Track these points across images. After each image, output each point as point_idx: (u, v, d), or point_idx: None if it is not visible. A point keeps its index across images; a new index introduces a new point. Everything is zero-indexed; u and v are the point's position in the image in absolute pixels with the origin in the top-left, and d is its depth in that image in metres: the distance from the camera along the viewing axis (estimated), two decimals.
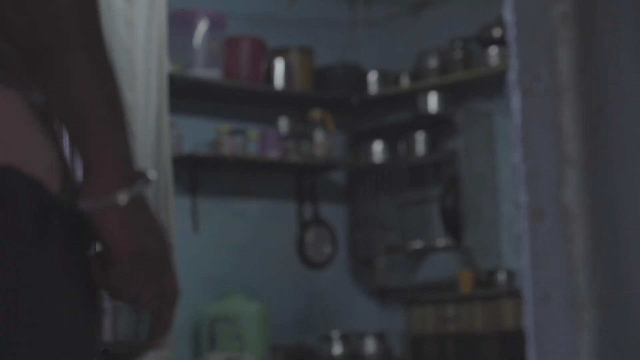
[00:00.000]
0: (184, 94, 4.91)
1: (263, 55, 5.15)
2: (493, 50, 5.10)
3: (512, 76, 0.82)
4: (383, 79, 5.52)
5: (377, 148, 5.54)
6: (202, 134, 5.07)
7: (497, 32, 5.11)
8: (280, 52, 5.23)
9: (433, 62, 5.32)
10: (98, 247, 0.88)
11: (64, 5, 0.82)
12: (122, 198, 0.85)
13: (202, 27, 4.90)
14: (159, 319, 0.92)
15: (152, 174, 0.88)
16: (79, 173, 1.49)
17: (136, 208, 0.86)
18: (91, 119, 0.84)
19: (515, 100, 0.82)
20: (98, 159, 0.85)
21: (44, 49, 0.82)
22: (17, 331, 0.82)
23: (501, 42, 5.08)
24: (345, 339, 5.03)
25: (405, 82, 5.43)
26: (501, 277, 4.93)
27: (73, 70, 0.83)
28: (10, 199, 0.83)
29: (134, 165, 0.87)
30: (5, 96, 0.86)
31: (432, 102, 5.31)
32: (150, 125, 4.36)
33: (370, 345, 5.05)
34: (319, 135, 5.34)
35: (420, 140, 5.40)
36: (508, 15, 0.82)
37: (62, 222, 0.87)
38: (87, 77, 0.84)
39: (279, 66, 5.21)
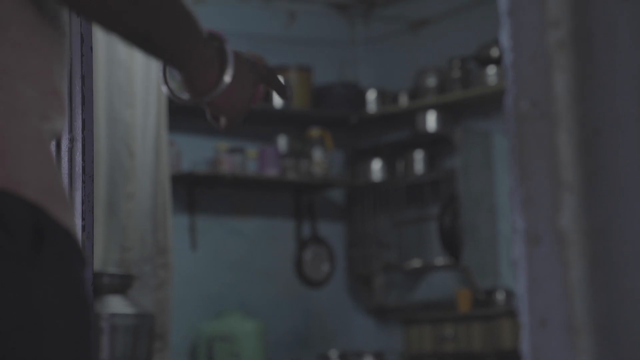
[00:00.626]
0: (183, 112, 4.92)
1: None
2: (491, 70, 5.11)
3: (508, 101, 0.82)
4: (382, 97, 5.54)
5: (376, 166, 5.55)
6: (200, 152, 5.08)
7: (495, 52, 5.13)
8: (279, 70, 5.24)
9: (431, 81, 5.34)
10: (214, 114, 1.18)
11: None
12: (226, 79, 1.11)
13: None
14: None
15: (218, 33, 1.13)
16: (75, 194, 1.50)
17: (239, 78, 1.13)
18: (186, 51, 1.07)
19: (512, 124, 0.82)
20: (199, 70, 1.10)
21: (141, 36, 1.00)
22: (15, 351, 0.82)
23: (499, 61, 5.10)
24: (343, 358, 5.02)
25: (403, 100, 5.45)
26: (500, 296, 4.93)
27: (167, 37, 1.03)
28: (6, 221, 0.83)
29: (216, 54, 1.11)
30: (3, 119, 0.86)
31: (431, 120, 5.32)
32: (149, 143, 4.36)
33: None
34: (317, 154, 5.35)
35: (418, 159, 5.40)
36: (505, 40, 0.82)
37: (57, 243, 0.87)
38: (177, 32, 1.04)
39: None
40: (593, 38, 0.80)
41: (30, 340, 0.83)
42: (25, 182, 0.85)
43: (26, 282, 0.84)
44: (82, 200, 1.48)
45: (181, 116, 4.91)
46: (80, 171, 1.49)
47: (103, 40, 4.16)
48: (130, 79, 4.31)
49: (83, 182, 1.49)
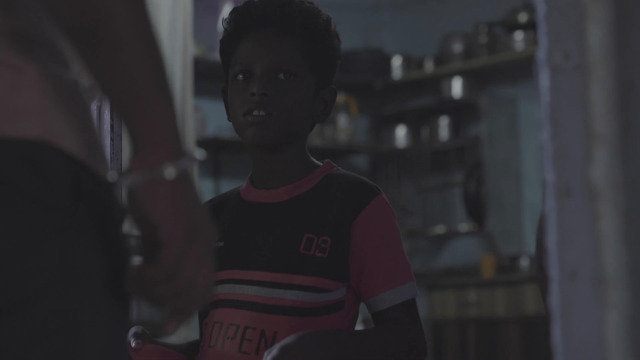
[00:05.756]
0: (208, 77, 4.92)
1: None
2: (518, 35, 5.07)
3: (541, 54, 0.81)
4: (407, 63, 5.50)
5: (400, 133, 5.53)
6: (225, 117, 5.08)
7: (522, 17, 5.08)
8: None
9: (458, 47, 5.30)
10: (142, 231, 0.86)
11: None
12: (170, 172, 0.84)
13: (227, 10, 4.90)
14: (184, 310, 0.88)
15: (199, 154, 0.87)
16: (108, 151, 1.51)
17: (184, 184, 0.85)
18: (141, 92, 0.83)
19: (544, 78, 0.81)
20: (147, 132, 0.84)
21: (89, 26, 0.82)
22: (50, 303, 0.83)
23: (527, 27, 5.05)
24: (366, 323, 5.05)
25: (429, 66, 5.41)
26: (523, 262, 4.92)
27: (123, 47, 0.82)
28: (46, 172, 0.83)
29: (182, 141, 0.85)
30: (40, 73, 0.86)
31: (456, 87, 5.29)
32: None
33: None
34: (342, 120, 5.34)
35: (443, 125, 5.38)
36: None
37: (96, 196, 0.87)
38: (136, 50, 0.82)
39: None
40: None
41: (66, 292, 0.83)
42: (64, 135, 0.85)
43: (65, 234, 0.84)
44: (111, 158, 1.50)
45: (207, 81, 4.91)
46: (109, 129, 1.50)
47: None
48: None
49: (111, 139, 1.50)
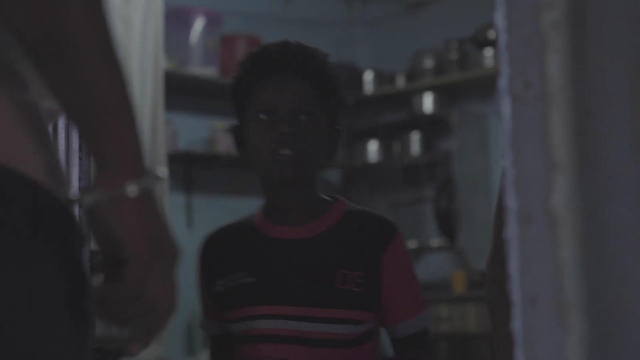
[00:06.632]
0: (180, 91, 4.91)
1: None
2: (488, 52, 5.11)
3: (502, 83, 0.83)
4: (378, 78, 5.53)
5: (372, 148, 5.55)
6: (197, 131, 5.08)
7: (492, 34, 5.13)
8: None
9: (428, 63, 5.34)
10: (105, 250, 0.85)
11: None
12: (132, 190, 0.83)
13: (198, 24, 4.91)
14: (149, 329, 0.87)
15: (161, 172, 0.86)
16: (72, 171, 1.50)
17: (147, 202, 0.84)
18: (103, 110, 0.82)
19: (506, 106, 0.83)
20: (110, 150, 0.83)
21: (51, 42, 0.81)
22: (13, 325, 0.83)
23: (497, 43, 5.10)
24: None
25: (400, 82, 5.45)
26: None
27: (84, 63, 0.81)
28: (6, 197, 0.83)
29: (144, 160, 0.85)
30: (1, 96, 0.86)
31: (427, 102, 5.32)
32: (146, 122, 4.36)
33: None
34: None
35: (415, 140, 5.41)
36: (499, 22, 0.83)
37: (55, 220, 0.88)
38: (97, 66, 0.81)
39: None
40: (586, 19, 0.81)
41: (25, 316, 0.83)
42: (24, 159, 0.85)
43: (24, 258, 0.84)
44: (79, 177, 1.49)
45: (178, 95, 4.90)
46: (77, 148, 1.49)
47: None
48: (127, 58, 4.31)
49: (80, 159, 1.49)
